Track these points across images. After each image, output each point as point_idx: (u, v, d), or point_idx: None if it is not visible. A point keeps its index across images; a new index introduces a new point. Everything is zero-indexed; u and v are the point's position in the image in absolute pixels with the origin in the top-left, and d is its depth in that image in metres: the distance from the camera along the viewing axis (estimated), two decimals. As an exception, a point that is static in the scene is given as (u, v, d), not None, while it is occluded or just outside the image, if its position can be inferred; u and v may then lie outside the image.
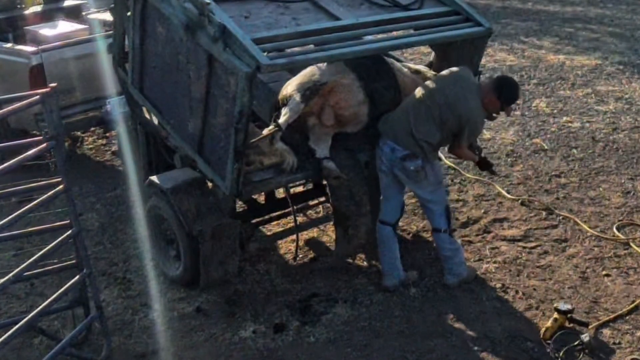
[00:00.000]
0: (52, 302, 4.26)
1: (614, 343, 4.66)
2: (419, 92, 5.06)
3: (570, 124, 8.20)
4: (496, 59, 10.78)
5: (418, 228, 6.10)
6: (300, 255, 5.76)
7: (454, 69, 5.15)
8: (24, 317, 4.09)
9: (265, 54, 4.48)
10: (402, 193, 5.32)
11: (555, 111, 8.62)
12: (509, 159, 7.35)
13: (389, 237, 5.25)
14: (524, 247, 5.76)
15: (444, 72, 5.18)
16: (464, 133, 4.97)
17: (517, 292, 5.20)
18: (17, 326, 3.97)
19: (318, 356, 4.64)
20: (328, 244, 5.91)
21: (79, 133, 8.24)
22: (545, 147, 7.60)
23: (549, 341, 4.63)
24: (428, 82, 5.15)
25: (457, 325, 4.89)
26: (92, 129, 8.28)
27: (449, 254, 5.22)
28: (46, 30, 7.64)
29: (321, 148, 5.10)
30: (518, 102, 8.80)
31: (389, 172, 5.10)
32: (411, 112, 4.99)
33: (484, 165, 5.53)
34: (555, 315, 4.73)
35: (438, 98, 4.94)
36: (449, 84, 5.02)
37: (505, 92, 5.00)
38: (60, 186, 4.25)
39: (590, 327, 4.75)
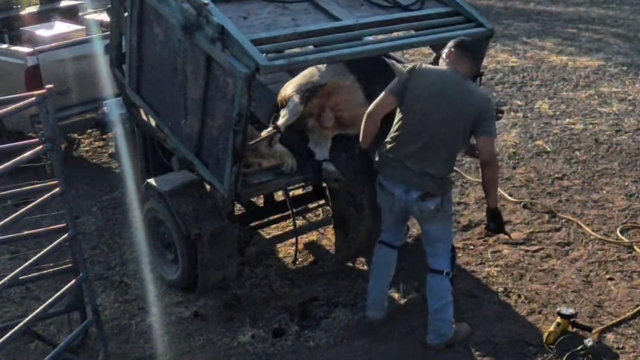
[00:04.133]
0: (48, 306, 4.22)
1: (618, 348, 4.61)
2: (404, 123, 4.36)
3: (573, 126, 8.16)
4: (498, 60, 10.74)
5: (419, 231, 6.02)
6: (300, 259, 5.71)
7: (423, 79, 4.35)
8: (20, 322, 4.05)
9: (264, 55, 4.44)
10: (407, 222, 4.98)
11: (557, 113, 8.58)
12: (511, 161, 7.31)
13: (390, 263, 4.79)
14: (527, 251, 5.71)
15: (421, 90, 4.32)
16: (484, 128, 4.29)
17: (519, 296, 5.15)
18: (12, 331, 3.92)
19: (317, 361, 4.60)
20: (328, 248, 5.87)
21: (75, 135, 8.19)
22: (548, 149, 7.55)
23: (551, 346, 4.58)
24: (409, 112, 4.35)
25: (458, 330, 4.84)
26: (89, 131, 8.24)
27: (441, 304, 4.54)
28: (42, 31, 7.62)
29: (321, 150, 5.06)
30: (520, 103, 8.83)
31: (401, 212, 4.60)
32: (411, 152, 4.34)
33: (495, 218, 4.61)
34: (558, 319, 4.69)
35: (437, 120, 4.26)
36: (437, 97, 4.29)
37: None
38: (57, 189, 4.21)
39: (593, 331, 4.70)
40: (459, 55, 4.36)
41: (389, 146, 4.44)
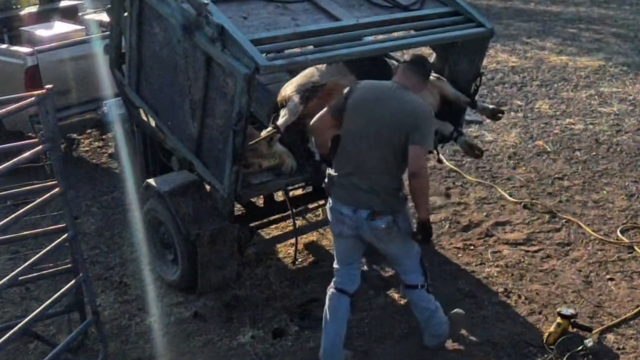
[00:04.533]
0: (47, 306, 4.20)
1: (618, 348, 4.60)
2: (344, 141, 4.22)
3: (573, 126, 8.15)
4: (498, 60, 10.73)
5: (419, 231, 6.03)
6: (300, 259, 5.70)
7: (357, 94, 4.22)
8: (19, 322, 4.03)
9: (264, 55, 4.44)
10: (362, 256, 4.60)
11: (558, 113, 8.57)
12: (511, 161, 7.30)
13: (343, 312, 4.41)
14: (527, 251, 5.70)
15: (357, 105, 4.18)
16: (416, 137, 4.08)
17: (519, 296, 5.15)
18: (12, 331, 3.91)
19: (317, 362, 4.59)
20: (328, 248, 5.85)
21: (75, 135, 8.18)
22: (548, 150, 7.54)
23: (552, 346, 4.57)
24: (348, 129, 4.20)
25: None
26: (89, 131, 8.23)
27: (427, 314, 4.49)
28: (42, 31, 7.59)
29: (320, 150, 5.04)
30: (520, 103, 8.82)
31: (353, 236, 4.32)
32: (353, 168, 4.20)
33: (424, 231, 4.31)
34: (559, 320, 4.68)
35: (372, 133, 4.12)
36: (372, 110, 4.15)
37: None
38: (56, 189, 4.20)
39: (593, 332, 4.69)
40: (405, 69, 4.26)
41: (334, 166, 4.31)
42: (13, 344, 4.49)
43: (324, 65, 5.06)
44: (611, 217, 6.16)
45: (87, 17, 8.27)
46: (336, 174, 4.27)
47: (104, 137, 8.30)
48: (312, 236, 6.02)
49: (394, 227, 4.19)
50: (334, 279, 4.48)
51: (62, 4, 8.73)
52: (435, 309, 4.50)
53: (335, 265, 4.49)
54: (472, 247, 5.79)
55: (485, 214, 6.28)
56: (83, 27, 7.86)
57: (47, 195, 4.18)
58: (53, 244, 4.26)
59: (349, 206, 4.22)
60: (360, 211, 4.18)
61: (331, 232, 4.50)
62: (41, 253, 4.17)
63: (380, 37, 5.21)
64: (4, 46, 7.45)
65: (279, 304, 5.16)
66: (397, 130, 4.07)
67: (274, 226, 5.97)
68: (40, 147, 4.08)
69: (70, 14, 8.55)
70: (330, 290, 4.47)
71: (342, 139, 4.24)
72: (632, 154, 7.36)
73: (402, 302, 5.12)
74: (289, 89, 5.05)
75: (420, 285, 4.42)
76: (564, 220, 6.12)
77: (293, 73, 5.40)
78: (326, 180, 4.35)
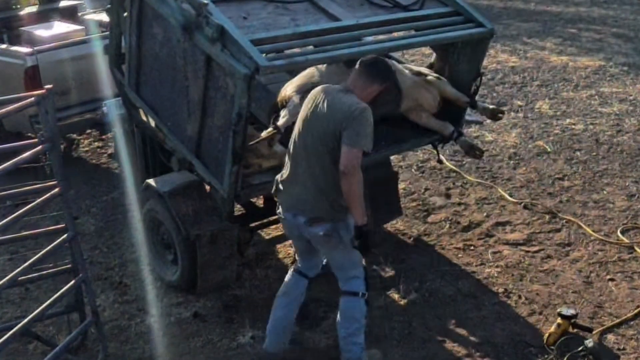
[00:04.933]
0: (47, 307, 4.20)
1: (619, 349, 4.60)
2: (291, 147, 4.21)
3: (573, 126, 8.14)
4: (498, 60, 10.73)
5: (419, 232, 6.03)
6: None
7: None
8: (19, 323, 4.02)
9: (264, 55, 4.42)
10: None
11: (558, 113, 8.56)
12: (511, 162, 7.29)
13: (298, 291, 4.45)
14: (527, 251, 5.69)
15: (304, 111, 4.18)
16: (347, 136, 3.94)
17: (519, 297, 5.14)
18: (11, 332, 3.90)
19: (317, 363, 4.59)
20: (328, 248, 5.84)
21: (74, 135, 8.18)
22: (549, 150, 7.54)
23: (552, 347, 4.56)
24: (294, 134, 4.21)
25: (458, 330, 4.82)
26: (88, 131, 8.24)
27: (354, 328, 4.28)
28: (42, 31, 7.59)
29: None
30: (520, 103, 8.82)
31: (301, 239, 4.32)
32: (295, 173, 4.17)
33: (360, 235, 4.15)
34: (559, 320, 4.67)
35: (309, 138, 4.08)
36: (313, 114, 4.09)
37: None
38: (56, 189, 4.20)
39: (594, 332, 4.69)
40: (353, 71, 4.15)
41: (282, 172, 4.30)
42: (13, 345, 4.46)
43: (324, 65, 5.05)
44: (611, 217, 6.15)
45: (86, 17, 8.27)
46: (283, 179, 4.26)
47: (103, 137, 8.30)
48: (312, 236, 6.00)
49: (333, 235, 4.11)
50: (297, 263, 4.53)
51: (62, 4, 8.72)
52: (362, 327, 4.31)
53: (297, 257, 4.56)
54: (472, 248, 5.78)
55: (485, 214, 6.28)
56: (83, 27, 7.85)
57: (47, 195, 4.17)
58: (53, 245, 4.25)
59: (289, 211, 4.21)
60: (298, 217, 4.16)
61: None
62: (41, 253, 4.16)
63: (381, 37, 5.20)
64: (3, 46, 7.45)
65: (279, 304, 5.15)
66: (331, 133, 3.97)
67: (274, 226, 5.95)
68: (40, 147, 4.07)
69: (70, 14, 8.55)
70: (291, 270, 4.53)
71: (289, 145, 4.24)
72: (633, 154, 7.35)
73: (402, 302, 5.12)
74: (289, 89, 5.04)
75: (361, 294, 4.27)
76: (564, 221, 6.11)
77: (293, 73, 5.39)
78: (274, 186, 4.34)
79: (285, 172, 4.26)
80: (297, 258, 4.56)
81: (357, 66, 4.16)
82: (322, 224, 4.09)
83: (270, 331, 4.49)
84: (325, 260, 4.59)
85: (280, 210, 4.31)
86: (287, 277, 4.54)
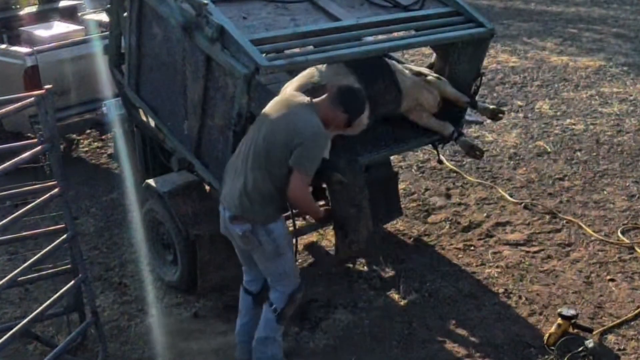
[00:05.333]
0: (46, 307, 4.19)
1: (619, 349, 4.59)
2: (240, 144, 4.24)
3: (573, 126, 8.13)
4: (499, 60, 10.72)
5: (419, 232, 6.02)
6: (300, 260, 5.67)
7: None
8: (18, 323, 4.02)
9: (264, 55, 4.41)
10: None
11: (558, 113, 8.55)
12: (511, 162, 7.28)
13: (247, 308, 4.45)
14: (527, 252, 5.69)
15: (263, 113, 4.22)
16: (296, 156, 3.97)
17: (520, 297, 5.13)
18: (11, 332, 3.90)
19: (317, 363, 4.58)
20: (328, 249, 5.84)
21: (74, 136, 8.17)
22: (549, 150, 7.53)
23: (552, 347, 4.56)
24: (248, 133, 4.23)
25: (458, 331, 4.82)
26: (88, 131, 8.23)
27: (262, 336, 4.28)
28: (41, 31, 7.59)
29: (320, 151, 5.02)
30: (521, 104, 8.81)
31: (231, 235, 4.25)
32: (237, 169, 4.14)
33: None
34: (559, 320, 4.67)
35: (259, 138, 4.06)
36: (267, 119, 4.12)
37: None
38: (56, 189, 4.19)
39: (594, 333, 4.69)
40: (328, 93, 4.13)
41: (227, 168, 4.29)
42: (12, 345, 4.46)
43: (324, 65, 5.04)
44: (612, 217, 6.14)
45: (86, 17, 8.26)
46: (227, 175, 4.26)
47: (103, 137, 8.29)
48: (312, 237, 6.00)
49: (251, 238, 4.06)
50: (243, 276, 4.53)
51: (62, 4, 8.72)
52: (273, 341, 4.28)
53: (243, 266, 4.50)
54: (472, 248, 5.78)
55: (485, 214, 6.27)
56: (82, 27, 7.85)
57: (47, 195, 4.17)
58: (52, 245, 4.25)
59: (221, 203, 4.21)
60: (226, 210, 4.15)
61: None
62: (40, 254, 4.16)
63: (381, 37, 5.19)
64: (3, 46, 7.45)
65: (279, 304, 5.14)
66: (281, 143, 3.96)
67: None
68: (39, 147, 4.07)
69: (70, 14, 8.54)
70: (241, 286, 4.52)
71: (246, 135, 4.25)
72: (633, 154, 7.34)
73: (402, 303, 5.11)
74: (289, 89, 5.03)
75: (274, 308, 4.23)
76: (564, 221, 6.10)
77: (293, 73, 5.38)
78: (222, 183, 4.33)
79: (230, 167, 4.25)
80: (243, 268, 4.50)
81: (333, 88, 4.16)
82: (242, 223, 4.05)
83: (239, 340, 4.48)
84: None
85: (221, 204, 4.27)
86: (240, 296, 4.51)
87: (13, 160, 3.86)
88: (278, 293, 4.26)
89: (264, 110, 4.21)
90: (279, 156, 3.97)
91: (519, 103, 8.93)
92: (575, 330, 4.67)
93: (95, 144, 8.36)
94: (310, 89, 4.90)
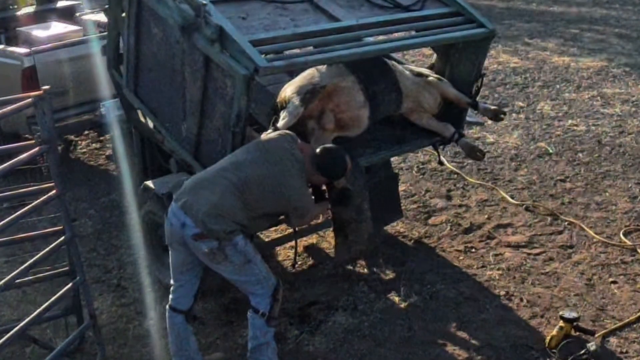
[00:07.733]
0: (44, 310, 4.17)
1: (621, 352, 4.57)
2: (227, 160, 4.28)
3: (575, 128, 8.11)
4: (500, 60, 10.70)
5: (420, 234, 6.00)
6: (299, 262, 5.66)
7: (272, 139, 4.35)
8: (16, 326, 3.99)
9: (263, 56, 4.39)
10: (200, 275, 4.34)
11: (560, 114, 8.52)
12: (513, 163, 7.25)
13: (179, 328, 4.31)
14: (529, 254, 5.66)
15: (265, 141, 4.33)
16: (294, 216, 4.29)
17: (521, 299, 5.11)
18: (8, 335, 3.88)
19: (317, 366, 4.56)
20: (328, 251, 5.82)
21: (72, 137, 8.16)
22: (550, 151, 7.50)
23: (554, 350, 4.54)
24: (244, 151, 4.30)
25: (459, 333, 4.79)
26: (86, 132, 8.22)
27: (255, 344, 4.26)
28: (39, 32, 7.59)
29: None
30: (522, 105, 8.78)
31: (183, 246, 4.16)
32: (211, 178, 4.15)
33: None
34: (561, 323, 4.65)
35: (248, 171, 4.12)
36: (267, 158, 4.20)
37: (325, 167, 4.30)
38: (53, 191, 4.17)
39: (596, 335, 4.66)
40: (312, 151, 4.30)
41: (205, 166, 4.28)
42: (9, 348, 4.45)
43: (324, 66, 5.02)
44: (614, 219, 6.11)
45: (84, 17, 8.25)
46: (195, 174, 4.23)
47: (101, 138, 8.29)
48: (312, 239, 5.98)
49: (218, 254, 4.04)
50: (170, 295, 4.36)
51: (60, 4, 8.73)
52: (265, 345, 4.27)
53: (170, 281, 4.36)
54: (473, 250, 5.75)
55: (486, 216, 6.24)
56: (80, 27, 7.86)
57: (44, 197, 4.16)
58: (50, 247, 4.23)
59: (182, 209, 4.05)
60: (187, 227, 4.02)
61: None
62: (38, 256, 4.14)
63: (381, 37, 5.17)
64: (0, 47, 7.44)
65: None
66: (271, 200, 4.14)
67: (273, 229, 5.93)
68: (37, 148, 4.05)
69: (68, 14, 8.55)
70: (166, 307, 4.38)
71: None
72: (635, 155, 7.31)
73: (402, 305, 5.08)
74: (288, 91, 5.00)
75: (261, 313, 4.20)
76: (566, 223, 6.07)
77: (293, 74, 5.36)
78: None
79: (202, 171, 4.30)
80: (171, 285, 4.38)
81: (312, 151, 4.31)
82: (208, 240, 4.01)
83: None
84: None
85: (172, 206, 4.14)
86: (167, 318, 4.38)
87: (10, 162, 3.85)
88: (259, 298, 4.21)
89: (254, 146, 4.28)
90: (262, 204, 4.13)
91: (520, 104, 8.90)
92: (577, 333, 4.64)
93: (94, 145, 8.35)
94: (310, 91, 4.88)
